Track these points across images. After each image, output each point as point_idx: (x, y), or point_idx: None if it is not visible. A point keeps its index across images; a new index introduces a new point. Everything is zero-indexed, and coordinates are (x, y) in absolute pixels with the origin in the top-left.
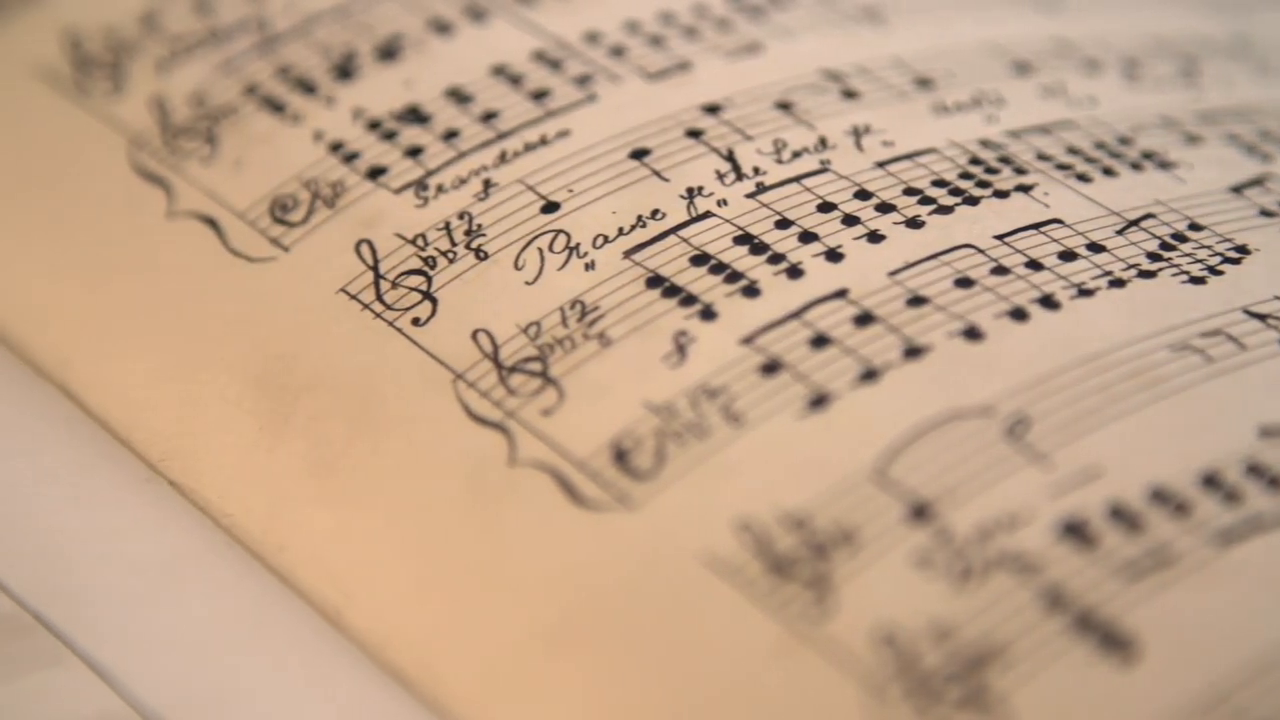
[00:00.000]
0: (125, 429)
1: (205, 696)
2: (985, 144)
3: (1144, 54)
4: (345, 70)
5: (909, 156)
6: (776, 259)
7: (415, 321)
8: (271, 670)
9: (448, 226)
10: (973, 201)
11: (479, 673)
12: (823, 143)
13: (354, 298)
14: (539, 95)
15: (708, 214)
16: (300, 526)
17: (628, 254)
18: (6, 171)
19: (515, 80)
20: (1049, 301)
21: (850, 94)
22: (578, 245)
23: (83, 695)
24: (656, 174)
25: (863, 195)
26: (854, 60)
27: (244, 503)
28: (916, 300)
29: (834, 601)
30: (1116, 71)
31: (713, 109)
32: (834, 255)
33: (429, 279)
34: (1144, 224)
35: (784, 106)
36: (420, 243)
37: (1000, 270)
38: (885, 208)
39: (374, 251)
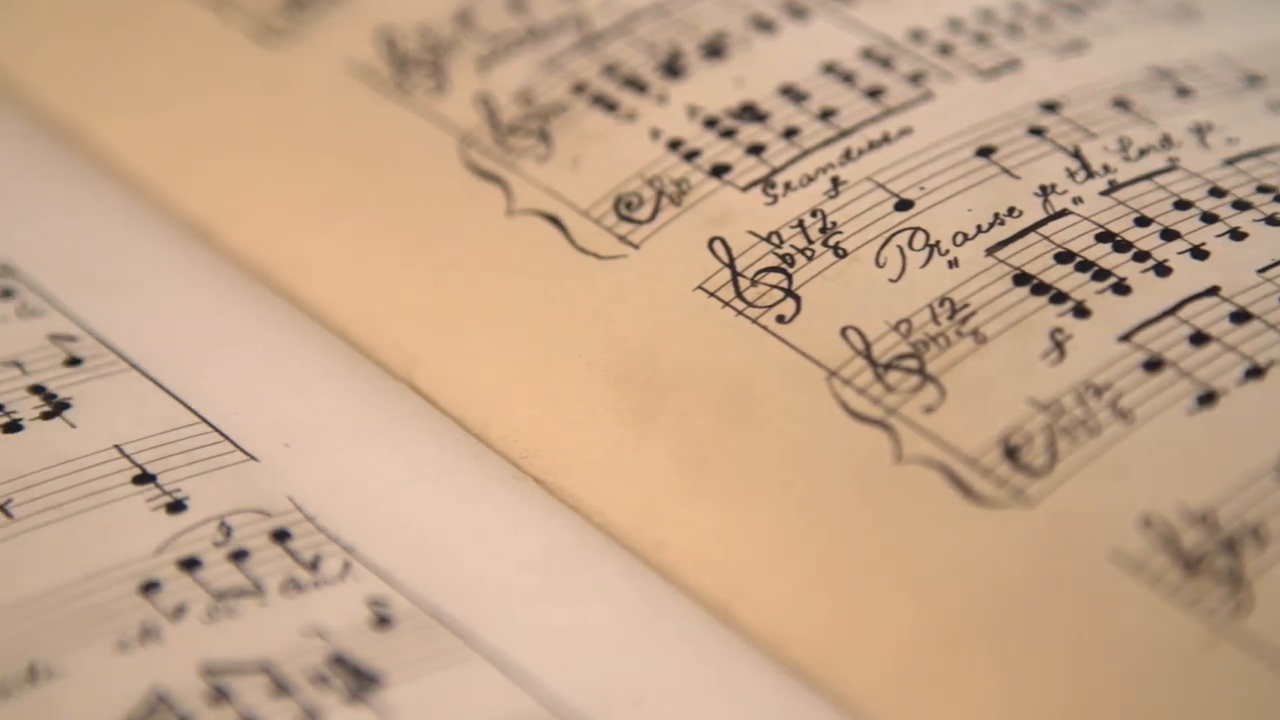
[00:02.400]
0: (480, 427)
1: (618, 697)
2: None
3: None
4: (673, 68)
5: (1256, 154)
6: (1141, 256)
7: (780, 319)
8: (675, 668)
9: (801, 224)
10: None
11: (884, 669)
12: (1166, 140)
13: (713, 295)
14: (874, 93)
15: (1065, 212)
16: (677, 523)
17: (990, 251)
18: (334, 170)
19: (847, 78)
20: None
21: (1184, 91)
22: (937, 243)
23: (494, 693)
24: (1006, 172)
25: (1217, 193)
26: (1180, 57)
27: (614, 500)
28: None
29: (1247, 596)
30: None
31: (1051, 107)
32: (1199, 253)
33: (789, 276)
34: None
35: (1121, 104)
36: (775, 240)
37: None
38: (1241, 205)
39: (728, 249)
